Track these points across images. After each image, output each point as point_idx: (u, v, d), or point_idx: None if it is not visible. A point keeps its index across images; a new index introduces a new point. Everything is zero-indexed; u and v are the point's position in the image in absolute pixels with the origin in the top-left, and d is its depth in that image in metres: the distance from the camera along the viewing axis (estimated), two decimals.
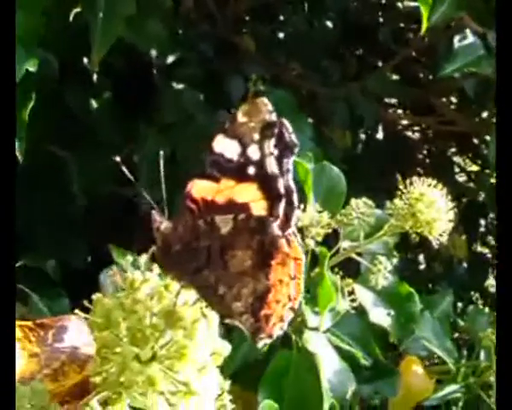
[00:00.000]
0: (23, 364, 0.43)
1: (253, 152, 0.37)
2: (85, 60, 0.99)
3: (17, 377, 0.42)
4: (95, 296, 0.35)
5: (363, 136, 1.32)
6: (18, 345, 0.44)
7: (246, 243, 0.37)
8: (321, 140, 1.09)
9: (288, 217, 0.38)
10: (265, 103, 0.38)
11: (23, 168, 0.88)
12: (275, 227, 0.37)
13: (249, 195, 0.37)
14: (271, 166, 0.37)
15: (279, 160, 0.38)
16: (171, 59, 1.03)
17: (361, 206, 0.74)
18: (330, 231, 0.72)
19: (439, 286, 1.14)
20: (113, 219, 1.02)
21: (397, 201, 0.74)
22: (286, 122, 0.38)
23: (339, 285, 0.73)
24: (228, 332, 0.73)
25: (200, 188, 0.37)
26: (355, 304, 0.74)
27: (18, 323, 0.45)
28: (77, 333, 0.46)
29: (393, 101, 1.32)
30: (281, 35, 1.22)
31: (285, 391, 0.69)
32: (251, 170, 0.37)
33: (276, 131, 0.37)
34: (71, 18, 0.81)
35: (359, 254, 0.76)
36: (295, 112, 1.01)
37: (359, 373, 0.75)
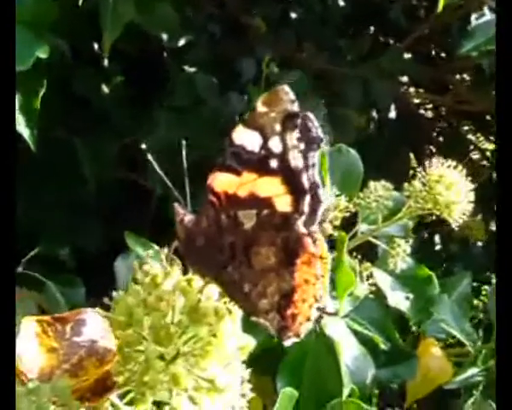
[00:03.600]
0: (42, 359, 0.42)
1: (275, 144, 0.35)
2: (96, 45, 0.98)
3: (36, 373, 0.42)
4: (116, 294, 0.34)
5: (375, 115, 1.30)
6: (36, 340, 0.43)
7: (270, 239, 0.35)
8: (334, 121, 1.08)
9: (313, 212, 0.36)
10: (286, 92, 0.36)
11: (35, 154, 0.88)
12: (300, 225, 0.36)
13: (272, 189, 0.35)
14: (295, 159, 0.35)
15: (304, 153, 0.36)
16: (182, 42, 1.02)
17: (379, 189, 0.72)
18: (348, 214, 0.72)
19: (454, 266, 1.13)
20: (127, 204, 1.02)
21: (415, 183, 0.73)
22: (311, 115, 0.37)
23: (357, 269, 0.72)
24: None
25: (221, 181, 0.36)
26: (373, 288, 0.73)
27: (36, 318, 0.45)
28: (95, 326, 0.45)
29: (406, 79, 1.30)
30: (292, 15, 1.20)
31: (304, 378, 0.68)
32: (273, 163, 0.35)
33: (298, 122, 0.36)
34: (80, 2, 0.80)
35: (377, 238, 0.75)
36: (309, 93, 1.00)
37: (377, 357, 0.74)
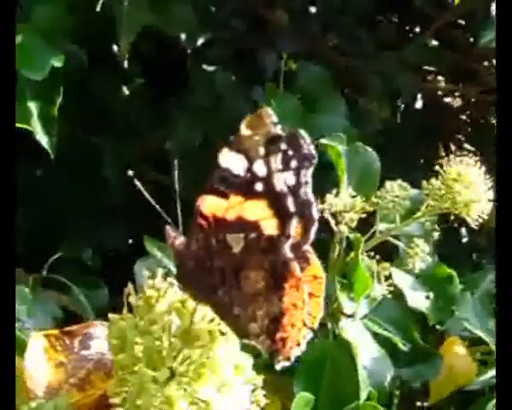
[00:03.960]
0: (49, 374, 0.43)
1: (260, 168, 0.35)
2: (115, 47, 0.99)
3: (43, 388, 0.43)
4: (111, 316, 0.34)
5: (401, 105, 1.28)
6: (44, 356, 0.44)
7: (258, 263, 0.35)
8: (358, 113, 1.06)
9: (307, 231, 0.36)
10: (269, 114, 0.36)
11: (58, 157, 0.90)
12: (286, 249, 0.36)
13: (259, 212, 0.35)
14: (279, 183, 0.35)
15: (296, 171, 0.36)
16: (200, 41, 1.02)
17: (396, 188, 0.71)
18: (364, 215, 0.71)
19: (482, 259, 1.11)
20: (150, 205, 1.03)
21: (433, 181, 0.71)
22: (303, 133, 0.36)
23: (375, 270, 0.71)
24: None
25: (209, 204, 0.36)
26: (392, 288, 0.73)
27: (44, 333, 0.46)
28: (103, 339, 0.46)
29: (432, 68, 1.27)
30: (312, 7, 1.19)
31: (322, 381, 0.68)
32: (259, 186, 0.35)
33: (281, 145, 0.35)
34: (98, 8, 0.80)
35: (396, 237, 0.74)
36: (329, 89, 0.99)
37: (399, 357, 0.73)
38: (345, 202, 0.71)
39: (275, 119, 0.36)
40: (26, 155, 0.86)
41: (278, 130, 0.36)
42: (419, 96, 1.29)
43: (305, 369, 0.68)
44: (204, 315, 0.34)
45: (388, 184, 0.72)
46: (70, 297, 0.88)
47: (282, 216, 0.35)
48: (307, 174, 0.37)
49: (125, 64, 1.03)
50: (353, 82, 1.09)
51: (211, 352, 0.33)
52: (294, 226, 0.35)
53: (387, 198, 0.71)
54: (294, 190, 0.37)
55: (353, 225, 0.70)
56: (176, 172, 0.40)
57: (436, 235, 0.75)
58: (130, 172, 0.41)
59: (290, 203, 0.35)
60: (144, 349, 0.32)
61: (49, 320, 0.80)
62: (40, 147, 0.83)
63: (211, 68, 1.00)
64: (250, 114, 0.36)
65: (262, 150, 0.35)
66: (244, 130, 0.36)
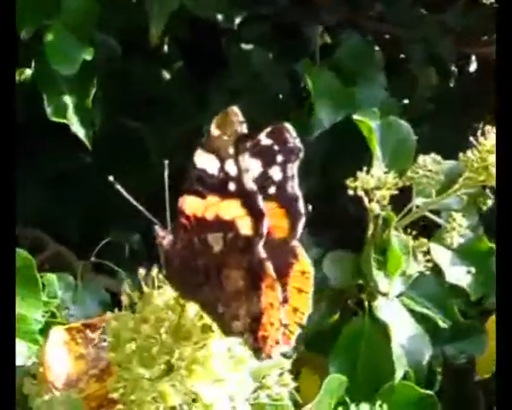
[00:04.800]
0: (70, 367, 0.45)
1: (230, 167, 0.35)
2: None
3: (64, 380, 0.44)
4: (109, 314, 0.35)
5: (455, 70, 1.24)
6: (65, 348, 0.46)
7: (237, 262, 0.35)
8: (400, 85, 1.04)
9: (293, 226, 0.36)
10: (235, 113, 0.35)
11: (100, 143, 0.92)
12: (260, 248, 0.35)
13: (234, 212, 0.35)
14: (249, 182, 0.35)
15: (282, 166, 0.36)
16: (238, 20, 1.01)
17: (429, 163, 0.70)
18: (397, 192, 0.69)
19: None
20: None
21: (469, 153, 0.69)
22: (288, 126, 0.36)
23: (410, 247, 0.70)
24: None
25: (190, 204, 0.36)
26: (431, 264, 0.71)
27: (65, 326, 0.48)
28: None
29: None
30: None
31: (357, 360, 0.68)
32: (231, 186, 0.35)
33: (248, 144, 0.35)
34: None
35: (434, 212, 0.73)
36: (367, 60, 0.96)
37: (441, 333, 0.72)
38: (377, 178, 0.70)
39: (241, 117, 0.35)
40: (75, 143, 0.88)
41: (244, 129, 0.35)
42: (473, 58, 1.25)
43: (341, 348, 0.68)
44: (197, 311, 0.35)
45: (421, 158, 0.70)
46: (117, 281, 0.90)
47: (254, 215, 0.35)
48: (293, 168, 0.36)
49: (165, 48, 1.04)
50: (396, 51, 1.06)
51: (204, 348, 0.34)
52: (266, 225, 0.35)
53: (420, 173, 0.69)
54: (281, 184, 0.36)
55: (385, 202, 0.69)
56: (166, 172, 0.41)
57: (487, 205, 0.73)
58: (111, 178, 0.41)
59: (260, 202, 0.35)
60: (136, 348, 0.33)
61: (96, 305, 0.82)
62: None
63: (248, 47, 1.00)
64: (220, 114, 0.36)
65: (231, 150, 0.35)
66: (214, 130, 0.36)
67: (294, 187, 0.36)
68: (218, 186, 0.35)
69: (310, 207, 1.06)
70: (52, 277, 0.75)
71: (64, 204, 1.07)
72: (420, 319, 0.70)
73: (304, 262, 0.37)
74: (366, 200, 0.70)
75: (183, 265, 0.36)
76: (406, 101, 1.09)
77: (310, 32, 1.08)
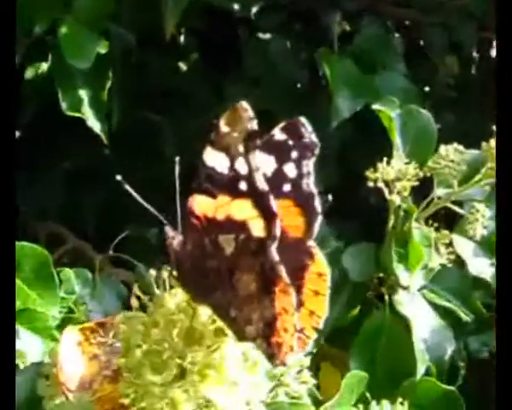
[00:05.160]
0: (83, 368, 0.44)
1: (241, 166, 0.33)
2: None
3: (77, 382, 0.44)
4: (118, 318, 0.34)
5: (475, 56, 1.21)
6: (78, 349, 0.45)
7: (249, 265, 0.34)
8: (420, 71, 1.02)
9: (309, 225, 0.34)
10: (245, 109, 0.34)
11: (118, 137, 0.91)
12: (273, 251, 0.34)
13: (246, 212, 0.33)
14: (261, 181, 0.33)
15: (297, 162, 0.34)
16: (255, 9, 1.00)
17: (450, 153, 0.68)
18: (417, 183, 0.68)
19: None
20: None
21: (492, 141, 0.67)
22: (304, 120, 0.35)
23: (432, 239, 0.68)
24: None
25: (200, 204, 0.34)
26: (453, 257, 0.69)
27: (79, 327, 0.47)
28: None
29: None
30: None
31: (378, 355, 0.66)
32: (242, 185, 0.33)
33: (258, 142, 0.33)
34: None
35: (456, 203, 0.71)
36: (387, 47, 0.95)
37: (465, 327, 0.71)
38: (397, 169, 0.68)
39: (251, 113, 0.34)
40: (93, 137, 0.88)
41: (255, 125, 0.34)
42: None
43: (361, 343, 0.67)
44: (210, 314, 0.34)
45: (443, 148, 0.68)
46: (135, 274, 0.90)
47: (267, 216, 0.33)
48: (309, 164, 0.35)
49: (181, 40, 1.03)
50: (417, 37, 1.04)
51: (217, 352, 0.33)
52: (279, 227, 0.33)
53: (442, 163, 0.67)
54: (296, 182, 0.35)
55: (406, 193, 0.67)
56: (177, 169, 0.39)
57: None
58: (119, 177, 0.40)
59: (273, 203, 0.33)
60: (146, 352, 0.32)
61: (114, 300, 0.82)
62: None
63: (265, 36, 0.98)
64: (228, 110, 0.34)
65: (241, 148, 0.33)
66: (223, 126, 0.34)
67: (310, 184, 0.35)
68: (228, 185, 0.34)
69: (330, 197, 1.03)
70: (69, 272, 0.75)
71: (82, 198, 1.07)
72: (442, 312, 0.69)
73: (320, 263, 0.36)
74: (386, 191, 0.68)
75: (193, 267, 0.35)
76: (427, 88, 1.07)
77: (328, 20, 1.06)
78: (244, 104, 0.34)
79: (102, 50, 0.73)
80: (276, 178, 0.36)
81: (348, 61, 0.89)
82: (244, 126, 0.34)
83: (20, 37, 0.74)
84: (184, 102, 1.01)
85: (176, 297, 0.35)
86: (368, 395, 0.62)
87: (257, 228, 0.33)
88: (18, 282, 0.61)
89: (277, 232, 0.33)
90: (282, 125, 0.38)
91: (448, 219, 0.75)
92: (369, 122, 0.80)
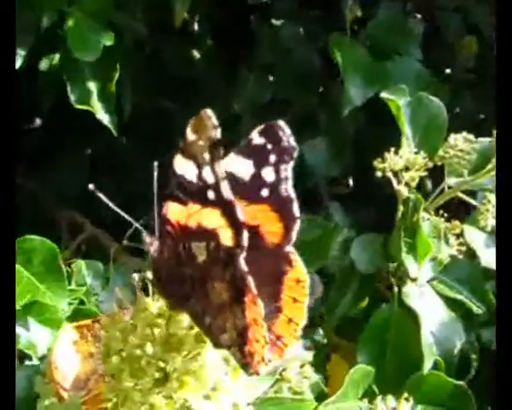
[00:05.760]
0: (78, 367, 0.44)
1: (208, 175, 0.33)
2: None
3: (71, 381, 0.44)
4: (97, 326, 0.34)
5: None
6: (74, 348, 0.45)
7: (220, 274, 0.33)
8: (438, 55, 1.00)
9: (287, 230, 0.34)
10: (209, 116, 0.33)
11: (134, 126, 0.91)
12: (241, 261, 0.33)
13: (215, 221, 0.33)
14: (227, 191, 0.32)
15: (276, 167, 0.34)
16: None
17: (460, 142, 0.66)
18: (425, 173, 0.66)
19: None
20: None
21: None
22: (283, 124, 0.34)
23: (442, 229, 0.67)
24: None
25: (173, 211, 0.34)
26: (464, 248, 0.68)
27: (75, 324, 0.47)
28: None
29: None
30: None
31: (386, 349, 0.66)
32: (210, 194, 0.33)
33: (221, 151, 0.33)
34: None
35: (467, 193, 0.69)
36: (403, 32, 0.93)
37: (477, 318, 0.69)
38: (406, 159, 0.67)
39: (215, 120, 0.33)
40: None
41: (218, 134, 0.33)
42: None
43: (369, 337, 0.66)
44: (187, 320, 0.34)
45: (452, 137, 0.67)
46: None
47: (234, 226, 0.33)
48: (288, 169, 0.34)
49: (195, 27, 1.03)
50: (433, 21, 1.01)
51: (197, 358, 0.33)
52: (246, 237, 0.33)
53: (451, 153, 0.66)
54: (274, 186, 0.35)
55: (414, 183, 0.66)
56: (155, 174, 0.39)
57: None
58: (91, 186, 0.40)
59: (239, 213, 0.33)
60: (125, 358, 0.32)
61: (125, 289, 0.82)
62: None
63: (278, 23, 0.97)
64: (194, 117, 0.34)
65: (207, 156, 0.33)
66: (190, 134, 0.33)
67: (288, 189, 0.34)
68: (197, 194, 0.33)
69: (350, 181, 1.02)
70: (81, 264, 0.75)
71: (98, 186, 1.07)
72: (453, 304, 0.68)
73: (299, 269, 0.36)
74: (395, 182, 0.67)
75: (169, 273, 0.35)
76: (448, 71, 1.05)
77: (341, 5, 1.04)
78: (208, 112, 0.33)
79: (108, 43, 0.73)
80: (254, 183, 0.36)
81: (360, 47, 0.87)
82: (209, 135, 0.33)
83: (29, 29, 0.74)
84: (198, 90, 1.00)
85: (158, 302, 0.35)
86: (375, 388, 0.62)
87: (226, 237, 0.33)
88: (28, 275, 0.62)
89: (245, 242, 0.33)
90: (259, 128, 0.37)
91: (462, 211, 0.74)
92: (384, 109, 0.78)
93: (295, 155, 0.35)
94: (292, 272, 0.36)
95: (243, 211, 0.32)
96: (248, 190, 0.33)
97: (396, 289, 0.68)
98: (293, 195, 0.35)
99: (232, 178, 0.35)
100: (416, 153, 0.67)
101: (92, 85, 0.75)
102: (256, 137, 0.37)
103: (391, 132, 0.74)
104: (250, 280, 0.33)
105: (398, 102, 0.69)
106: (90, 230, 1.01)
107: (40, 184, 1.04)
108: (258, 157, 0.36)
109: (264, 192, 0.36)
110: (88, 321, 0.47)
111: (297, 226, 0.35)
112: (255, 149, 0.37)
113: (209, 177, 0.33)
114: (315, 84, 0.95)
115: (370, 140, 0.96)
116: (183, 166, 0.34)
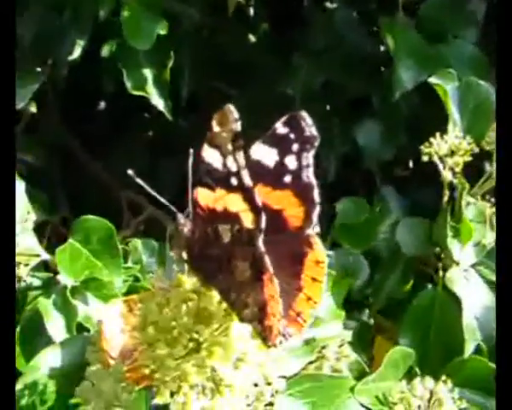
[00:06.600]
0: (125, 338, 0.47)
1: (231, 163, 0.35)
2: None
3: (119, 351, 0.47)
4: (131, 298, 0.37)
5: None
6: (121, 320, 0.48)
7: (243, 254, 0.36)
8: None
9: (308, 215, 0.36)
10: (231, 111, 0.36)
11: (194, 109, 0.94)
12: (259, 242, 0.36)
13: (238, 205, 0.35)
14: (247, 178, 0.35)
15: (298, 155, 0.36)
16: None
17: None
18: (470, 159, 0.66)
19: None
20: None
21: None
22: (305, 114, 0.36)
23: (487, 215, 0.67)
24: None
25: (202, 195, 0.37)
26: None
27: (123, 298, 0.50)
28: None
29: None
30: None
31: (429, 332, 0.66)
32: (233, 181, 0.36)
33: (241, 142, 0.35)
34: None
35: None
36: (459, 14, 0.91)
37: None
38: (450, 144, 0.67)
39: (236, 114, 0.36)
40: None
41: (239, 126, 0.36)
42: None
43: (412, 319, 0.67)
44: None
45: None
46: None
47: (254, 210, 0.35)
48: (309, 157, 0.36)
49: (251, 12, 1.04)
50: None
51: (226, 331, 0.35)
52: (264, 220, 0.35)
53: (493, 139, 0.66)
54: (296, 173, 0.37)
55: (459, 168, 0.66)
56: (190, 160, 0.42)
57: None
58: (130, 172, 0.43)
59: (257, 198, 0.35)
60: (160, 329, 0.35)
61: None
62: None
63: (331, 6, 0.98)
64: (218, 111, 0.36)
65: (230, 147, 0.36)
66: (215, 126, 0.36)
67: (310, 176, 0.36)
68: (223, 180, 0.36)
69: (411, 163, 1.01)
70: (137, 242, 0.79)
71: (160, 168, 1.11)
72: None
73: (318, 251, 0.38)
74: (441, 166, 0.68)
75: (200, 252, 0.38)
76: None
77: None
78: (230, 107, 0.36)
79: (162, 31, 0.76)
80: (278, 170, 0.38)
81: (412, 30, 0.87)
82: (231, 127, 0.36)
83: (88, 18, 0.78)
84: (253, 75, 1.02)
85: (192, 279, 0.37)
86: (418, 370, 0.63)
87: (247, 220, 0.36)
88: (86, 252, 0.66)
89: (262, 225, 0.36)
90: (283, 118, 0.39)
91: None
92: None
93: (316, 144, 0.37)
94: (312, 253, 0.38)
95: (268, 196, 0.35)
96: (273, 176, 0.36)
97: (441, 272, 0.69)
98: (313, 181, 0.37)
99: (258, 165, 0.38)
100: (462, 138, 0.67)
101: (147, 72, 0.79)
102: (280, 127, 0.39)
103: (446, 113, 0.73)
104: (267, 260, 0.36)
105: (445, 86, 0.69)
106: (150, 210, 1.04)
107: (103, 165, 1.09)
108: (282, 146, 0.39)
109: (287, 179, 0.39)
110: (135, 296, 0.50)
111: (317, 211, 0.37)
112: (279, 139, 0.39)
113: (232, 165, 0.36)
114: (368, 67, 0.95)
115: (425, 121, 0.95)
116: (210, 155, 0.37)
